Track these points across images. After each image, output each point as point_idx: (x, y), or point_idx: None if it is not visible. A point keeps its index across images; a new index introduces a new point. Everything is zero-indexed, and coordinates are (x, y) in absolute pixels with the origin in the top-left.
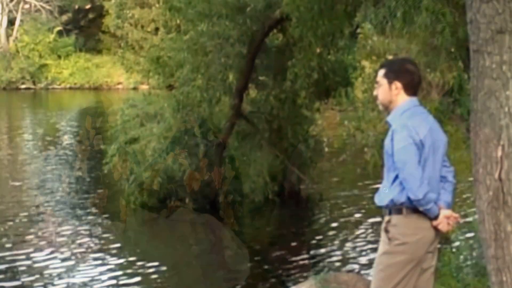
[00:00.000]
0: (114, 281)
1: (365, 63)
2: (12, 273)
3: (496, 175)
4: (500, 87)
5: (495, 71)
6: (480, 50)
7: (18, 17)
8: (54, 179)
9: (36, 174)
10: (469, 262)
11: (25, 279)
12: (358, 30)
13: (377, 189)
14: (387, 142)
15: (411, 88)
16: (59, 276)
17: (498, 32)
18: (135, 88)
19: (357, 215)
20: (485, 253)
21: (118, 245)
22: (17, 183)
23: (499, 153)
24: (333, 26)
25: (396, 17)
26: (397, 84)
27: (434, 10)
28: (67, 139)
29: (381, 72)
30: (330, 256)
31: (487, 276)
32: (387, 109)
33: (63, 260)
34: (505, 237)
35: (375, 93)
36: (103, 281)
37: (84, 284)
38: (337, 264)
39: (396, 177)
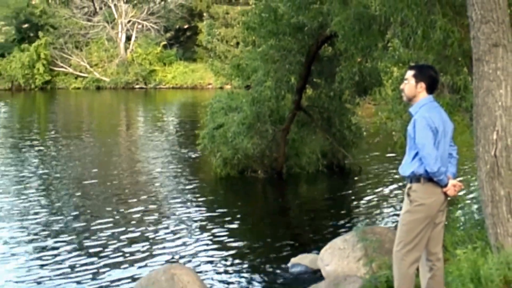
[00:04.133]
0: (206, 228)
1: (394, 69)
2: (127, 218)
3: (492, 153)
4: (495, 87)
5: (491, 75)
6: (480, 59)
7: (133, 34)
8: (161, 155)
9: (147, 150)
10: (471, 218)
11: (138, 223)
12: (389, 44)
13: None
14: (409, 128)
15: (431, 89)
16: (166, 220)
17: (494, 45)
18: (221, 88)
19: (387, 183)
20: (484, 211)
21: (210, 204)
22: (133, 157)
23: (494, 136)
24: (369, 41)
25: (417, 34)
26: (422, 85)
27: (446, 29)
28: (170, 126)
29: (411, 72)
30: (367, 214)
31: (485, 229)
32: (410, 101)
33: (167, 211)
34: (499, 199)
35: (401, 87)
36: (199, 226)
37: (185, 227)
38: (373, 219)
39: (416, 154)
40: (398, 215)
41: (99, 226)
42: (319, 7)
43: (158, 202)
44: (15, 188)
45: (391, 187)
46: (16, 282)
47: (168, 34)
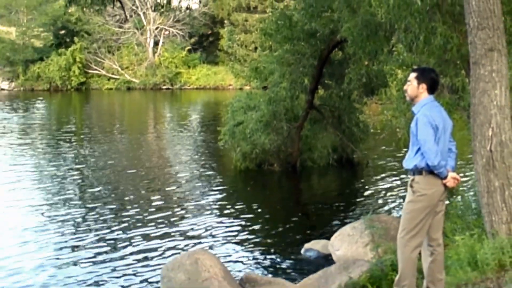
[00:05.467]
0: (227, 216)
1: (398, 71)
2: (154, 206)
3: (488, 148)
4: (490, 88)
5: (487, 77)
6: (477, 62)
7: (161, 40)
8: (186, 150)
9: (173, 145)
10: (469, 207)
11: (164, 211)
12: (394, 49)
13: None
14: (412, 125)
15: (432, 89)
16: (190, 209)
17: (489, 50)
18: (241, 88)
19: (392, 176)
20: (480, 201)
21: (230, 194)
22: (161, 151)
23: (490, 132)
24: (376, 46)
25: (419, 39)
26: (423, 86)
27: (445, 35)
28: (194, 123)
29: (414, 74)
30: (374, 203)
31: (481, 217)
32: (412, 100)
33: (191, 201)
34: (494, 190)
35: (405, 88)
36: (221, 214)
37: (208, 216)
38: (379, 208)
39: (418, 149)
40: (402, 204)
41: (129, 214)
42: (330, 15)
43: (183, 193)
44: (54, 178)
45: (396, 179)
46: (49, 261)
47: (192, 40)
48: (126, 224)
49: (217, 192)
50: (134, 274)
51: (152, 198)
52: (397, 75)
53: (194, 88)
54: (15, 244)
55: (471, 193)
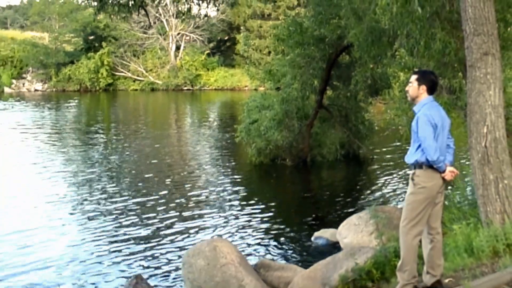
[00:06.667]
0: (243, 207)
1: (400, 73)
2: (176, 198)
3: (483, 144)
4: (485, 89)
5: (482, 79)
6: (473, 65)
7: (182, 45)
8: (205, 146)
9: (193, 141)
10: (465, 199)
11: (185, 202)
12: (396, 53)
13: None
14: (413, 124)
15: (431, 90)
16: (209, 201)
17: (484, 54)
18: (256, 89)
19: (395, 169)
20: (476, 193)
21: (246, 187)
22: (182, 147)
23: (485, 130)
24: (380, 50)
25: (420, 44)
26: (424, 87)
27: (444, 40)
28: (212, 121)
29: (415, 76)
30: (378, 195)
31: (477, 208)
32: (413, 101)
33: (210, 193)
34: (488, 183)
35: (406, 88)
36: (237, 205)
37: (225, 207)
38: (383, 200)
39: (419, 146)
40: (403, 196)
41: (152, 204)
42: (338, 22)
43: (202, 186)
44: (85, 170)
45: (398, 173)
46: (75, 245)
47: (211, 44)
48: (149, 214)
49: (233, 185)
50: (157, 260)
51: (173, 190)
52: (400, 77)
53: (212, 89)
54: (47, 228)
55: (468, 186)
